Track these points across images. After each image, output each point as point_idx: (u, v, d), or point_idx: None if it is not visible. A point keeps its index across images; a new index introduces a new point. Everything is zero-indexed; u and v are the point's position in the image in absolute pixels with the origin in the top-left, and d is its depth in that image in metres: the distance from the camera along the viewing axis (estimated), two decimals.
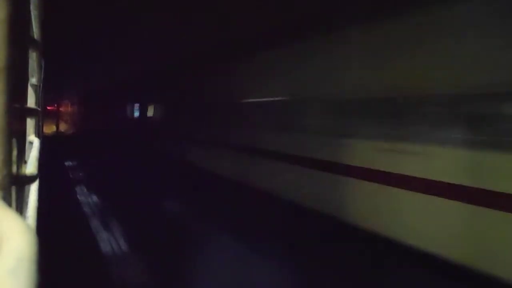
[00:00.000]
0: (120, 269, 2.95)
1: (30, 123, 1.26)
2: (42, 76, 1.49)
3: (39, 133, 1.57)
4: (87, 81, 14.38)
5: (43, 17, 1.16)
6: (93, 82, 14.33)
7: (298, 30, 4.52)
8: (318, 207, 3.95)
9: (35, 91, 1.39)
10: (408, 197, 2.99)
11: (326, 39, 4.03)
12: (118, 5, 4.47)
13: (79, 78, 13.38)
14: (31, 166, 0.75)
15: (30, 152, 0.94)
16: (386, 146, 3.22)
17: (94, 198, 5.17)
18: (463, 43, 2.77)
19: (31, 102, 1.29)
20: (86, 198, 5.28)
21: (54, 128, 16.37)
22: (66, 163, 9.20)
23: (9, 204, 0.38)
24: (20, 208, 0.66)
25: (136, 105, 11.95)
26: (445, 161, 2.83)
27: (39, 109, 1.52)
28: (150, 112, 10.63)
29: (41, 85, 1.51)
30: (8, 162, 0.40)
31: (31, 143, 1.09)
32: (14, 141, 0.50)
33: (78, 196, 5.35)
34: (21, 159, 0.66)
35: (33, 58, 1.06)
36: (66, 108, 23.50)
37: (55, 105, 19.00)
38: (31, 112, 1.09)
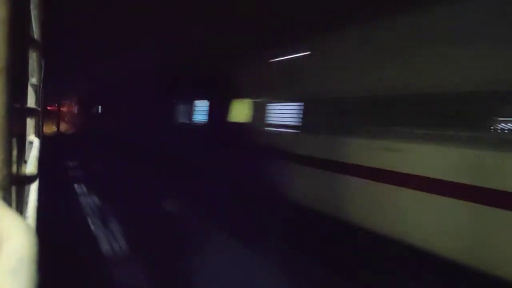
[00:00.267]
0: None
1: (30, 123, 1.26)
2: (42, 76, 1.49)
3: (39, 133, 1.57)
4: (96, 75, 12.15)
5: (43, 17, 1.16)
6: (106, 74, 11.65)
7: None
8: None
9: (35, 91, 1.39)
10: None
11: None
12: (118, 4, 4.47)
13: (87, 71, 11.60)
14: (31, 166, 0.75)
15: (30, 152, 0.94)
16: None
17: None
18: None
19: (31, 102, 1.29)
20: None
21: (55, 128, 15.88)
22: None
23: (9, 204, 0.38)
24: (20, 208, 0.67)
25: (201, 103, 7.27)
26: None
27: (39, 109, 1.52)
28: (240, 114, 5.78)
29: (41, 85, 1.51)
30: (8, 162, 0.40)
31: (31, 143, 1.09)
32: (14, 141, 0.50)
33: None
34: (21, 159, 0.66)
35: (33, 58, 1.06)
36: (68, 108, 23.46)
37: (56, 105, 18.73)
38: (31, 112, 1.09)
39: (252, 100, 5.63)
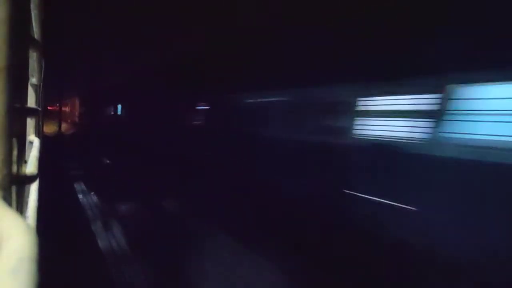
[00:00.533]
0: None
1: (30, 123, 1.26)
2: (42, 76, 1.49)
3: (39, 133, 1.57)
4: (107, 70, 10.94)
5: (43, 17, 1.16)
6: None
7: None
8: None
9: (35, 91, 1.39)
10: None
11: None
12: (118, 3, 4.47)
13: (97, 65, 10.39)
14: (31, 166, 0.75)
15: (30, 152, 0.94)
16: None
17: None
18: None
19: (31, 102, 1.29)
20: None
21: (57, 128, 15.63)
22: None
23: (9, 204, 0.38)
24: (20, 208, 0.67)
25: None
26: None
27: (39, 109, 1.52)
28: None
29: (41, 85, 1.51)
30: (8, 162, 0.40)
31: (31, 143, 1.09)
32: (14, 141, 0.50)
33: None
34: (21, 159, 0.66)
35: (33, 58, 1.06)
36: (70, 108, 23.38)
37: (57, 104, 18.54)
38: (31, 112, 1.09)
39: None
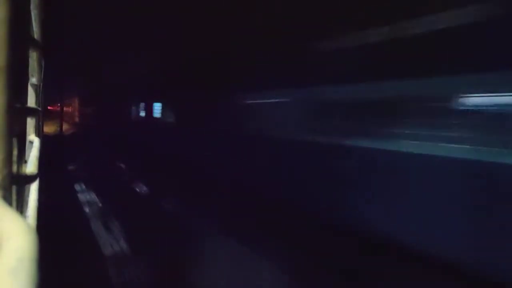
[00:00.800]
0: None
1: (30, 123, 1.26)
2: (42, 76, 1.49)
3: (39, 133, 1.57)
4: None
5: (43, 17, 1.16)
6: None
7: None
8: None
9: (35, 91, 1.39)
10: None
11: None
12: (119, 3, 4.47)
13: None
14: (31, 166, 0.75)
15: (30, 151, 0.94)
16: None
17: None
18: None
19: (31, 102, 1.29)
20: None
21: (58, 128, 15.44)
22: None
23: (9, 203, 0.38)
24: (20, 208, 0.67)
25: None
26: None
27: (39, 108, 1.52)
28: None
29: (41, 84, 1.51)
30: (8, 161, 0.40)
31: (31, 142, 1.09)
32: (14, 140, 0.50)
33: None
34: (22, 158, 0.66)
35: (33, 58, 1.06)
36: (71, 108, 23.33)
37: (59, 104, 18.30)
38: (31, 112, 1.09)
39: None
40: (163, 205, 5.02)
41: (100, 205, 4.83)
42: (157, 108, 9.99)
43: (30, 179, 0.70)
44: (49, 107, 20.63)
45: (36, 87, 1.38)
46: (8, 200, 0.39)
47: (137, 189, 5.95)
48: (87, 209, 4.61)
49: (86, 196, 5.29)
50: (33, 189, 0.84)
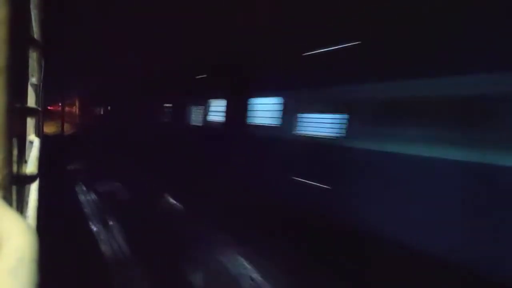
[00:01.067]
0: None
1: (30, 123, 1.26)
2: (42, 76, 1.49)
3: (39, 133, 1.57)
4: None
5: (43, 17, 1.16)
6: None
7: None
8: None
9: (35, 91, 1.39)
10: None
11: None
12: (119, 2, 4.47)
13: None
14: (31, 166, 0.75)
15: (30, 151, 0.94)
16: None
17: None
18: None
19: (31, 102, 1.29)
20: None
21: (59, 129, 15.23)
22: None
23: (9, 204, 0.38)
24: (20, 208, 0.67)
25: None
26: None
27: (39, 108, 1.52)
28: None
29: (41, 84, 1.51)
30: (8, 161, 0.40)
31: (31, 142, 1.09)
32: (14, 140, 0.50)
33: None
34: (21, 158, 0.66)
35: (33, 58, 1.06)
36: (72, 108, 23.26)
37: (60, 104, 18.02)
38: (31, 112, 1.09)
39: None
40: (163, 205, 5.02)
41: (100, 205, 4.83)
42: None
43: (30, 179, 0.70)
44: (49, 107, 20.62)
45: (36, 87, 1.38)
46: (8, 200, 0.39)
47: (138, 189, 5.95)
48: (86, 209, 4.61)
49: (84, 195, 5.28)
50: (33, 189, 0.84)
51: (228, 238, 3.73)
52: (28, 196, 0.80)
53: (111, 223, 4.05)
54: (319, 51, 4.67)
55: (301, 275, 3.03)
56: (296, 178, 5.02)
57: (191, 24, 5.08)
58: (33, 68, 1.15)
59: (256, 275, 2.93)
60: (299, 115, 5.15)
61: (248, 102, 6.32)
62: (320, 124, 4.75)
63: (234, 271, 3.01)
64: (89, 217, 4.26)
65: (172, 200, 5.27)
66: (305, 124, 5.03)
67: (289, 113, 5.34)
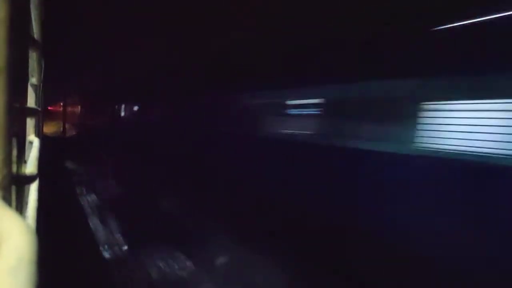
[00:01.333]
0: None
1: (30, 123, 1.26)
2: (42, 76, 1.49)
3: (39, 133, 1.57)
4: None
5: (43, 17, 1.16)
6: None
7: None
8: None
9: (35, 91, 1.39)
10: None
11: None
12: (119, 2, 4.47)
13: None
14: (31, 166, 0.75)
15: (30, 152, 0.94)
16: None
17: None
18: None
19: (31, 102, 1.29)
20: None
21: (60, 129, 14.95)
22: None
23: (9, 204, 0.38)
24: (20, 208, 0.67)
25: None
26: None
27: (39, 109, 1.52)
28: None
29: (41, 85, 1.51)
30: (8, 162, 0.40)
31: (31, 143, 1.09)
32: (14, 141, 0.50)
33: None
34: (21, 159, 0.66)
35: (33, 58, 1.06)
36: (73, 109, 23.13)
37: (61, 104, 17.74)
38: (31, 112, 1.09)
39: None
40: (163, 204, 5.02)
41: (99, 204, 4.83)
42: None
43: (29, 179, 0.70)
44: (49, 107, 20.59)
45: (36, 87, 1.38)
46: (8, 200, 0.39)
47: (138, 189, 5.95)
48: (83, 208, 4.61)
49: (83, 194, 5.28)
50: (33, 189, 0.84)
51: None
52: (27, 196, 0.80)
53: (110, 223, 4.06)
54: None
55: None
56: None
57: (195, 23, 5.07)
58: (33, 68, 1.15)
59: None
60: None
61: None
62: None
63: None
64: (88, 217, 4.26)
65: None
66: None
67: None
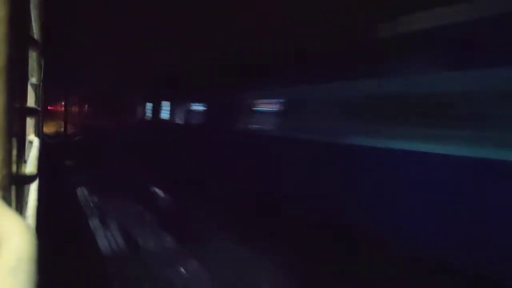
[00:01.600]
0: None
1: (30, 123, 1.26)
2: (42, 76, 1.49)
3: (39, 133, 1.57)
4: None
5: (43, 17, 1.16)
6: None
7: None
8: None
9: (35, 91, 1.39)
10: None
11: None
12: (119, 2, 4.47)
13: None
14: (30, 166, 0.75)
15: (30, 151, 0.94)
16: None
17: None
18: None
19: (31, 101, 1.29)
20: None
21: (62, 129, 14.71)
22: None
23: (9, 204, 0.38)
24: (20, 208, 0.67)
25: None
26: None
27: (39, 108, 1.52)
28: None
29: (41, 84, 1.51)
30: (8, 161, 0.40)
31: (31, 142, 1.09)
32: (14, 140, 0.50)
33: None
34: (21, 158, 0.66)
35: (33, 58, 1.06)
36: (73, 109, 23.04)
37: (63, 103, 17.63)
38: (31, 112, 1.09)
39: None
40: (163, 204, 5.02)
41: (99, 203, 4.83)
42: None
43: (29, 179, 0.70)
44: (49, 107, 20.58)
45: (36, 87, 1.38)
46: (7, 200, 0.39)
47: (138, 189, 5.95)
48: (83, 208, 4.61)
49: (83, 194, 5.28)
50: (33, 189, 0.84)
51: None
52: (27, 196, 0.80)
53: (110, 223, 4.06)
54: None
55: None
56: None
57: (196, 23, 5.07)
58: (33, 68, 1.14)
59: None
60: None
61: None
62: None
63: None
64: (88, 217, 4.26)
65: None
66: None
67: None
